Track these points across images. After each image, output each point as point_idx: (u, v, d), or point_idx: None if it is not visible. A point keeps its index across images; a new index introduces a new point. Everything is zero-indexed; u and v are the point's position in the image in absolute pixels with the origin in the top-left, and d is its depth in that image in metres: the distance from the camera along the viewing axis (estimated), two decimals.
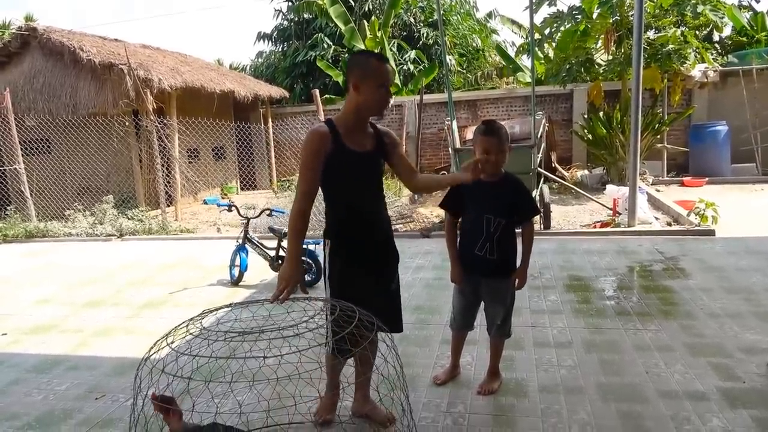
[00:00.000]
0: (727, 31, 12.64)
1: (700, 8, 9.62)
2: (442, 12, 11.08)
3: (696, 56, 10.12)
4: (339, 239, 2.55)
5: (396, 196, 9.56)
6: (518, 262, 2.91)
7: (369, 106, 2.44)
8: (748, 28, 12.62)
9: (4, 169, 9.68)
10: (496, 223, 2.76)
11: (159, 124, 9.28)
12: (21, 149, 9.33)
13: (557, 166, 11.20)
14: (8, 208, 9.33)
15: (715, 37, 12.64)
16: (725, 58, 11.92)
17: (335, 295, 2.50)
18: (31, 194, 9.40)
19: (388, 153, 2.60)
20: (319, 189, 2.54)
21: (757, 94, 10.75)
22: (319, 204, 2.68)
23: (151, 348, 2.04)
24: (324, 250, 2.60)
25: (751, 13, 12.97)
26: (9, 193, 10.19)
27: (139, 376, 2.01)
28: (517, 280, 2.89)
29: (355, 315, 2.13)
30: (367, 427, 2.67)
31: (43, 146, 10.82)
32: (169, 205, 9.82)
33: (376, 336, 2.50)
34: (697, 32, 10.79)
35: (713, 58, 10.72)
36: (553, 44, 11.69)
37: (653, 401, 2.80)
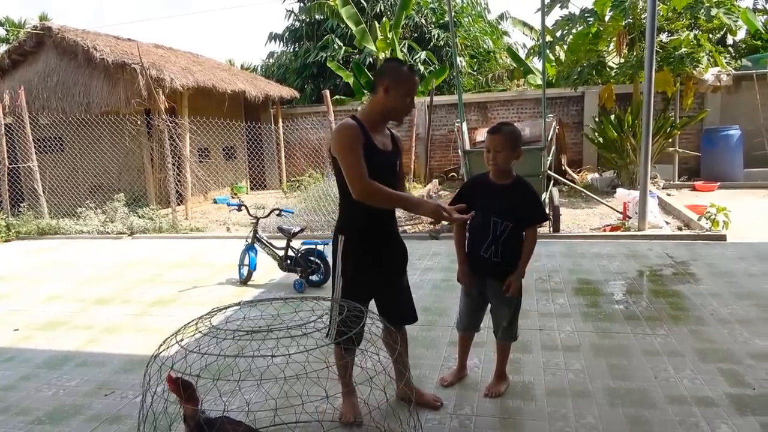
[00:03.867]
0: (740, 35, 12.54)
1: (713, 11, 9.55)
2: (453, 14, 11.08)
3: (709, 60, 10.05)
4: (355, 234, 2.59)
5: None
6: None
7: (394, 111, 2.57)
8: (763, 32, 12.51)
9: (18, 167, 9.79)
10: (503, 226, 2.77)
11: (170, 123, 9.33)
12: (34, 147, 9.43)
13: (567, 168, 11.15)
14: (21, 205, 9.43)
15: (729, 40, 12.57)
16: (739, 61, 11.83)
17: (347, 288, 2.56)
18: (43, 192, 9.50)
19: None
20: (333, 187, 2.57)
21: None
22: (331, 204, 2.69)
23: (160, 345, 2.06)
24: (336, 245, 2.61)
25: (765, 16, 12.86)
26: (22, 190, 10.31)
27: (148, 373, 2.02)
28: (510, 284, 2.79)
29: (363, 314, 2.14)
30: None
31: (56, 144, 10.92)
32: (179, 204, 9.87)
33: (404, 329, 2.75)
34: (711, 35, 10.71)
35: (726, 62, 10.64)
36: (565, 47, 11.65)
37: (661, 406, 2.79)
